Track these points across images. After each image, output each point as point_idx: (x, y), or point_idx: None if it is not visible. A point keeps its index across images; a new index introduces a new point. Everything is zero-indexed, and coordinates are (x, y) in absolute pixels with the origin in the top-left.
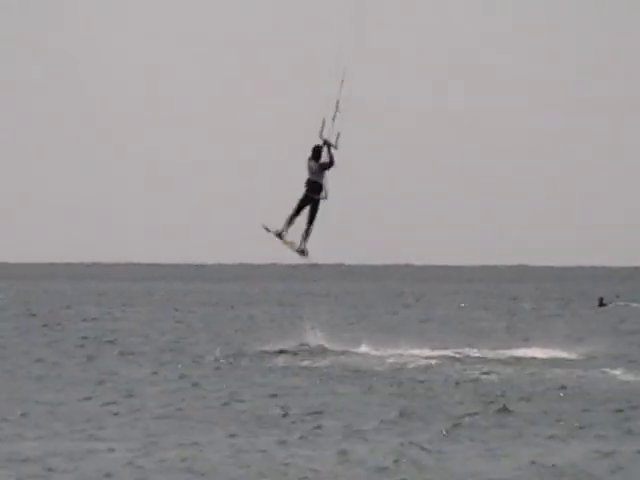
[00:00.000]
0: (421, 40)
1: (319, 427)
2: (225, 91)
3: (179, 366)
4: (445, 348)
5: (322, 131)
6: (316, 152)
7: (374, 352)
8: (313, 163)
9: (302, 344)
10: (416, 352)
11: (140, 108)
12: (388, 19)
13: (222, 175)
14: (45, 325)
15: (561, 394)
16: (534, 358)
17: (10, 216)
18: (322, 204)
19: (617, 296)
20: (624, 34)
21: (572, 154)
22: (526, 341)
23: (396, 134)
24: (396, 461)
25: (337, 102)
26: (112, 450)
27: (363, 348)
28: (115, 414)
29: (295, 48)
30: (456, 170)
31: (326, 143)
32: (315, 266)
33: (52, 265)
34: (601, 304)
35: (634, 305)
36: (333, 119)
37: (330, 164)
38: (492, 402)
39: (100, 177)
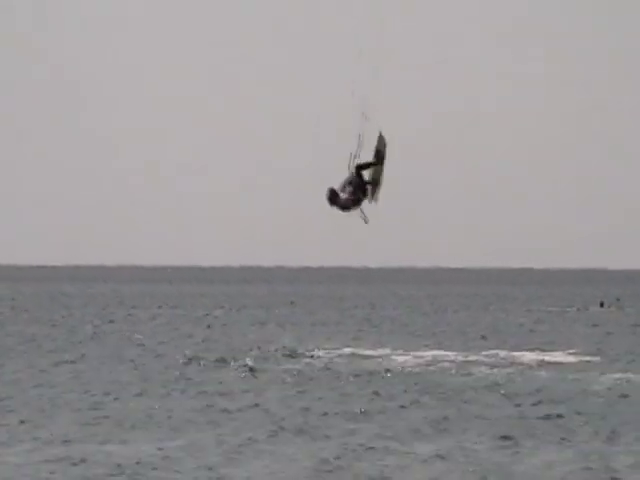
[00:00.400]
0: (422, 43)
1: (352, 433)
2: (240, 105)
3: (207, 369)
4: (468, 350)
5: (350, 163)
6: (333, 197)
7: (398, 354)
8: (337, 208)
9: (321, 346)
10: (441, 354)
11: (148, 113)
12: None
13: (227, 178)
14: (66, 327)
15: (591, 397)
16: (561, 361)
17: (10, 218)
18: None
19: (617, 299)
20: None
21: (578, 157)
22: (550, 344)
23: (402, 136)
24: (444, 466)
25: (359, 136)
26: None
27: (386, 350)
28: (148, 416)
29: (313, 77)
30: (461, 173)
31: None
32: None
33: (55, 268)
34: (602, 307)
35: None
36: (357, 156)
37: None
38: (525, 406)
39: (106, 180)
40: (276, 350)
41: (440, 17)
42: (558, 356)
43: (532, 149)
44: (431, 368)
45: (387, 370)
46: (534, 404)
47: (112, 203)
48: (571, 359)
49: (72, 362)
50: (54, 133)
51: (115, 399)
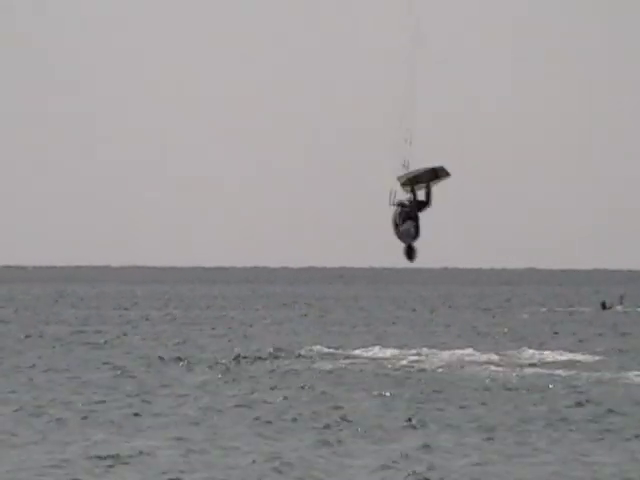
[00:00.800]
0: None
1: (354, 436)
2: (241, 105)
3: (235, 370)
4: (490, 350)
5: (391, 199)
6: (410, 252)
7: (420, 354)
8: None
9: (339, 347)
10: (465, 353)
11: (149, 114)
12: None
13: (227, 179)
14: (87, 329)
15: (622, 397)
16: (582, 360)
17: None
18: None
19: (621, 296)
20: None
21: (581, 158)
22: (570, 343)
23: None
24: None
25: (404, 162)
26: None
27: (407, 350)
28: (184, 416)
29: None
30: (461, 174)
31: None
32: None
33: (63, 268)
34: (604, 307)
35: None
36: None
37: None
38: (559, 406)
39: (106, 180)
40: (301, 350)
41: (440, 18)
42: (580, 356)
43: (541, 153)
44: (456, 368)
45: (410, 370)
46: (568, 406)
47: (112, 204)
48: (593, 359)
49: (102, 363)
50: (58, 136)
51: (149, 400)
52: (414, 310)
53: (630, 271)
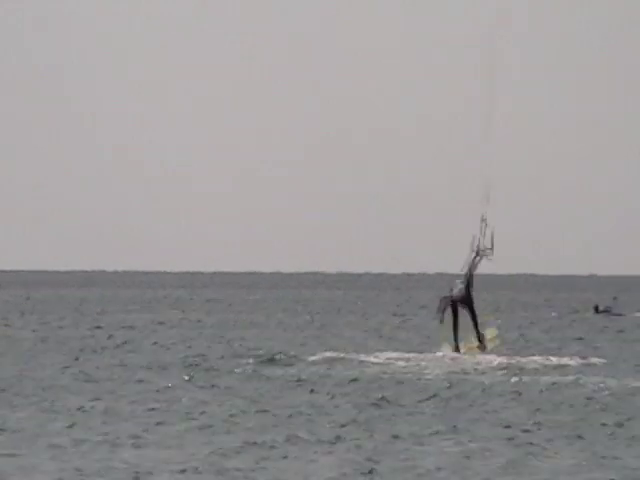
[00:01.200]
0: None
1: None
2: (241, 105)
3: (251, 376)
4: (500, 355)
5: (474, 243)
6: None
7: (434, 360)
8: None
9: (351, 352)
10: (475, 359)
11: (154, 116)
12: None
13: (227, 180)
14: (97, 333)
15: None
16: (600, 367)
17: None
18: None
19: (614, 298)
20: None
21: (581, 162)
22: (587, 349)
23: (403, 137)
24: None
25: (483, 217)
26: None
27: (425, 355)
28: (204, 421)
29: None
30: (461, 176)
31: (478, 254)
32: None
33: (57, 273)
34: (597, 311)
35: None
36: (482, 234)
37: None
38: (582, 413)
39: (112, 182)
40: (311, 356)
41: (441, 20)
42: (592, 361)
43: (540, 158)
44: (468, 373)
45: (420, 375)
46: (591, 412)
47: (109, 207)
48: (606, 364)
49: (115, 366)
50: (64, 143)
51: (163, 407)
52: (415, 315)
53: (624, 277)
